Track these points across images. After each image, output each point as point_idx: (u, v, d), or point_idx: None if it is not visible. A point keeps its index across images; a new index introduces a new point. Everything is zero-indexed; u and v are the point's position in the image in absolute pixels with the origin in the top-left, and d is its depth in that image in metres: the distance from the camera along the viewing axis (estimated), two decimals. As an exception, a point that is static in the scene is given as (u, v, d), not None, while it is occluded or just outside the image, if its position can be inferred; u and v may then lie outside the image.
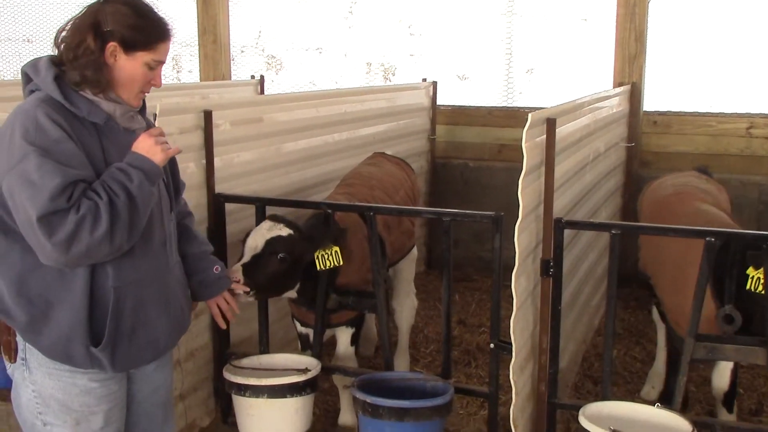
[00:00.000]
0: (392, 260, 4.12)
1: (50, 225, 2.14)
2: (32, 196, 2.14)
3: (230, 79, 7.25)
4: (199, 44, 7.28)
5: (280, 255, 3.35)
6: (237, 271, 3.22)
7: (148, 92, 2.46)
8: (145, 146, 2.35)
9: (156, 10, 2.42)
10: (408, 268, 4.49)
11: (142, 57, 2.35)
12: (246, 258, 3.33)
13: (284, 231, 3.41)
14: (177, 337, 2.65)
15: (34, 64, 2.36)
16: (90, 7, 2.36)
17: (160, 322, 2.49)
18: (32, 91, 2.34)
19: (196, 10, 7.22)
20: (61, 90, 2.29)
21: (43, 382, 2.40)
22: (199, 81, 7.31)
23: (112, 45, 2.31)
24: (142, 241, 2.38)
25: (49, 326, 2.33)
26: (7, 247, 2.33)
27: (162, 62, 2.42)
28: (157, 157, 2.35)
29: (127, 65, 2.34)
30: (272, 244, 3.36)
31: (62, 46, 2.34)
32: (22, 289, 2.32)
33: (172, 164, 2.67)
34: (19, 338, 2.42)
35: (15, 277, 2.32)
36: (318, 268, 3.48)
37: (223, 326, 2.98)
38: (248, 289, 3.21)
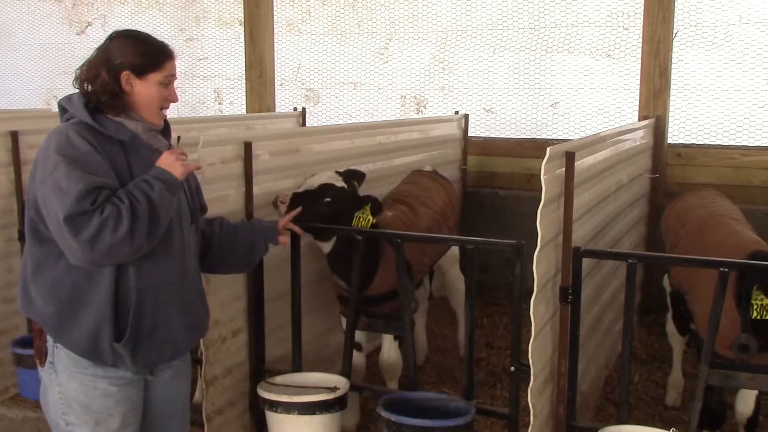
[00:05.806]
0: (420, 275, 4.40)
1: (76, 224, 2.42)
2: (61, 199, 2.43)
3: (275, 111, 7.56)
4: (245, 78, 7.63)
5: (327, 199, 3.81)
6: (287, 195, 3.74)
7: (167, 108, 2.73)
8: (167, 162, 2.64)
9: (154, 36, 2.71)
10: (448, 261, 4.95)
11: (154, 77, 2.65)
12: (300, 189, 3.84)
13: (339, 183, 3.90)
14: (195, 338, 2.93)
15: (69, 97, 2.68)
16: (99, 47, 2.69)
17: (178, 322, 2.74)
18: (68, 120, 2.65)
19: (244, 46, 7.60)
20: (91, 114, 2.60)
21: (67, 385, 2.65)
22: (245, 113, 7.66)
23: (125, 74, 2.62)
24: (162, 247, 2.64)
25: (77, 323, 2.58)
26: (43, 256, 2.60)
27: (173, 77, 2.69)
28: (177, 171, 2.64)
29: (142, 89, 2.64)
30: (324, 187, 3.84)
31: (84, 83, 2.66)
32: (54, 293, 2.59)
33: (197, 185, 3.00)
34: (48, 343, 2.67)
35: (49, 282, 2.59)
36: (353, 224, 3.88)
37: (301, 232, 3.44)
38: (286, 205, 3.69)
